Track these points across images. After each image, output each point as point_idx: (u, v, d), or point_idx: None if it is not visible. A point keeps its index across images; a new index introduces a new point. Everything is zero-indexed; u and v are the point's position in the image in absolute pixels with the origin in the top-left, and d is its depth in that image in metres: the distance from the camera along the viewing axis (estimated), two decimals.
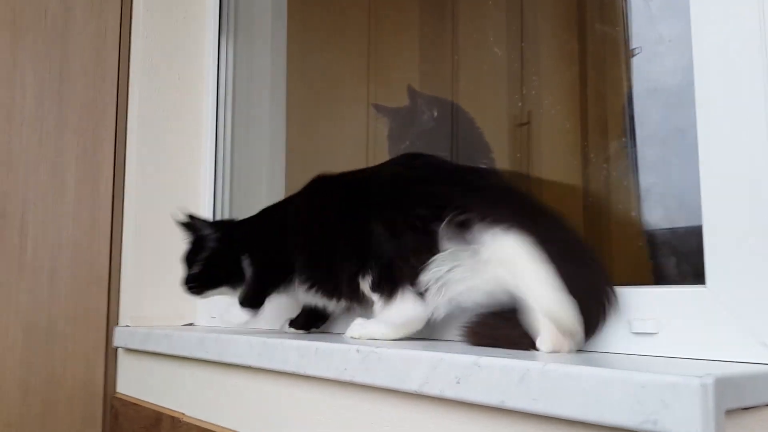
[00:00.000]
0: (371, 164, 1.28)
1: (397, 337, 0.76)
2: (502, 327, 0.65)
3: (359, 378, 0.69)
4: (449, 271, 0.68)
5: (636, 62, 0.87)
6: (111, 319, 1.42)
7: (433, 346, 0.67)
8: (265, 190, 1.54)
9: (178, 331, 1.17)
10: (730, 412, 0.44)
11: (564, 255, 0.61)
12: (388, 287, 0.75)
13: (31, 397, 1.33)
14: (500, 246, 0.63)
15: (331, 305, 0.89)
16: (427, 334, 0.80)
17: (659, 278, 0.82)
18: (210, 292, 0.95)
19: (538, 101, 1.06)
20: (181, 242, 0.99)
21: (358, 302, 0.83)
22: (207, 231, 0.95)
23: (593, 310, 0.61)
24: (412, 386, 0.62)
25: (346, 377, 0.71)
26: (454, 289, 0.68)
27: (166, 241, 1.36)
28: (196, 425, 1.05)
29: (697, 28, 0.60)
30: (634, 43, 0.87)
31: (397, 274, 0.74)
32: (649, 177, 0.85)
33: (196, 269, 0.95)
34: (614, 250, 0.91)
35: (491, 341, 0.65)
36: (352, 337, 0.79)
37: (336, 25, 1.51)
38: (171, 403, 1.17)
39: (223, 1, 1.56)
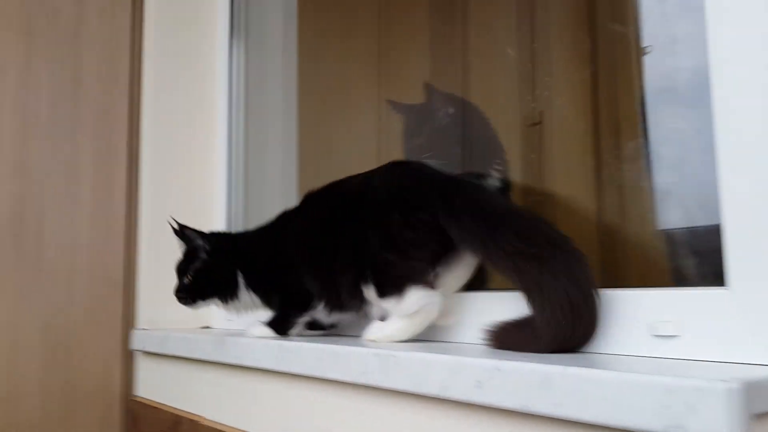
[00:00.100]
0: (382, 163, 1.29)
1: (416, 330, 0.77)
2: (523, 331, 0.65)
3: (378, 381, 0.69)
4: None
5: (649, 60, 0.86)
6: (128, 322, 1.43)
7: (452, 350, 0.67)
8: (278, 191, 1.54)
9: (195, 334, 1.17)
10: (756, 416, 0.43)
11: (540, 263, 0.63)
12: (395, 287, 0.76)
13: (51, 401, 1.35)
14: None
15: (337, 318, 0.91)
16: (445, 336, 0.80)
17: (678, 279, 0.82)
18: (201, 303, 0.95)
19: (550, 101, 1.06)
20: None
21: (363, 311, 0.84)
22: (199, 242, 0.95)
23: (582, 314, 0.62)
24: (431, 390, 0.62)
25: (365, 381, 0.71)
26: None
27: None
28: (215, 428, 1.06)
29: (712, 25, 0.59)
30: (646, 42, 0.86)
31: (402, 273, 0.75)
32: (664, 176, 0.85)
33: (187, 280, 0.95)
34: (630, 251, 0.90)
35: (514, 345, 0.65)
36: (370, 340, 0.79)
37: (346, 28, 1.51)
38: (189, 406, 1.17)
39: (235, 4, 1.56)
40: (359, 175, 0.89)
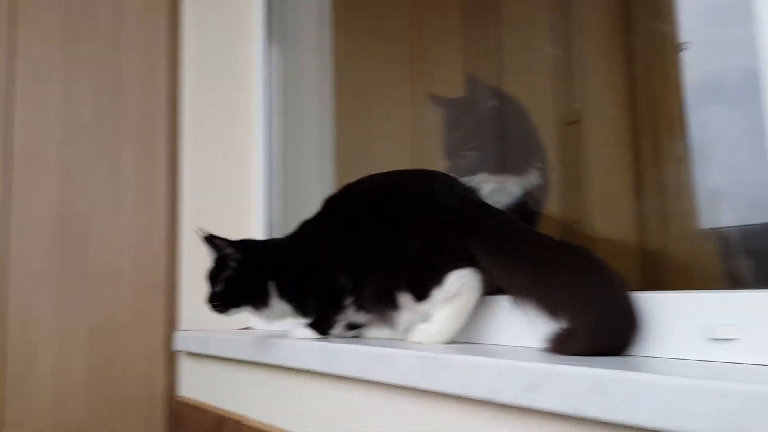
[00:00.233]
0: (416, 163, 1.29)
1: (459, 325, 0.77)
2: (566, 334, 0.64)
3: (423, 384, 0.69)
4: None
5: (689, 57, 0.84)
6: (170, 323, 1.46)
7: (497, 353, 0.66)
8: (315, 192, 1.55)
9: (238, 335, 1.19)
10: None
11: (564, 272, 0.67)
12: (434, 281, 0.76)
13: (97, 401, 1.38)
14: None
15: (363, 318, 0.92)
16: (492, 339, 0.79)
17: (729, 280, 0.80)
18: (233, 311, 0.96)
19: (587, 98, 1.04)
20: None
21: (387, 316, 0.85)
22: (228, 250, 0.96)
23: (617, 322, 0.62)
24: (478, 393, 0.61)
25: (409, 383, 0.71)
26: None
27: None
28: (259, 428, 1.07)
29: (764, 19, 0.57)
30: (685, 38, 0.84)
31: (436, 267, 0.76)
32: (709, 175, 0.83)
33: (219, 288, 0.96)
34: (674, 253, 0.89)
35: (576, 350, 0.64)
36: (414, 342, 0.79)
37: (380, 28, 1.51)
38: (233, 406, 1.19)
39: (271, 7, 1.57)
40: (375, 176, 0.92)
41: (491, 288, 0.78)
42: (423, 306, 0.79)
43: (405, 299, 0.80)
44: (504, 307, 0.76)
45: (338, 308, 0.91)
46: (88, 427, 1.37)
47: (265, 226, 1.51)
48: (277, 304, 0.95)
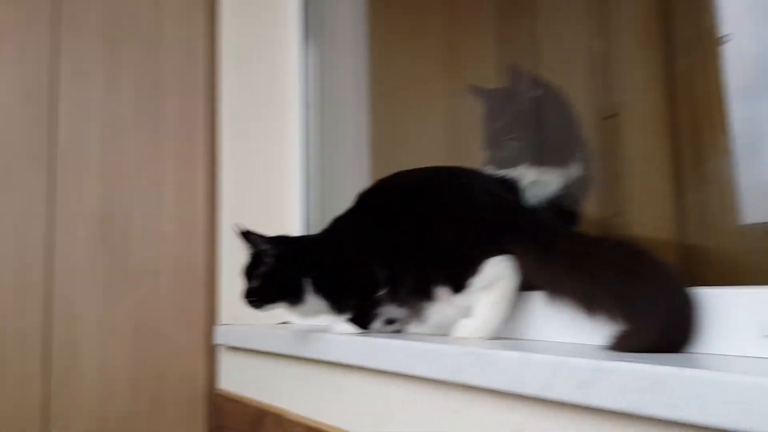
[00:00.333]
0: (452, 159, 1.29)
1: (501, 317, 0.77)
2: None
3: (473, 380, 0.68)
4: None
5: (731, 50, 0.82)
6: (210, 317, 1.48)
7: (550, 349, 0.66)
8: (351, 188, 1.56)
9: (278, 329, 1.20)
10: None
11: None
12: (471, 272, 0.77)
13: (140, 393, 1.40)
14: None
15: (403, 314, 0.92)
16: (531, 334, 0.79)
17: None
18: (269, 307, 0.97)
19: (625, 92, 1.03)
20: None
21: (420, 309, 0.85)
22: (264, 246, 0.97)
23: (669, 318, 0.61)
24: (531, 390, 0.61)
25: (457, 379, 0.70)
26: None
27: None
28: (299, 422, 1.08)
29: None
30: (727, 30, 0.83)
31: (473, 257, 0.77)
32: (751, 169, 0.81)
33: (255, 283, 0.96)
34: (714, 249, 0.87)
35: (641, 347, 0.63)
36: (459, 338, 0.79)
37: (415, 24, 1.51)
38: (273, 399, 1.20)
39: (308, 5, 1.58)
40: (408, 171, 0.93)
41: (526, 284, 0.78)
42: (461, 298, 0.79)
43: (442, 292, 0.81)
44: (541, 303, 0.76)
45: (375, 302, 0.92)
46: (132, 420, 1.39)
47: (302, 222, 1.52)
48: (313, 300, 0.96)
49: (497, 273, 0.76)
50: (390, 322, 0.94)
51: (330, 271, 0.96)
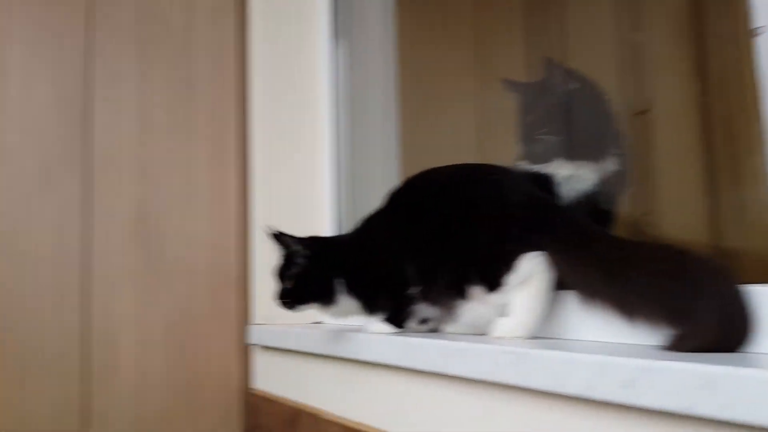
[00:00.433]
0: (482, 157, 1.27)
1: (541, 311, 0.76)
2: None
3: (512, 379, 0.67)
4: None
5: (764, 42, 0.79)
6: (243, 317, 1.49)
7: (594, 349, 0.65)
8: (382, 187, 1.55)
9: (312, 329, 1.20)
10: None
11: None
12: (506, 269, 0.76)
13: (176, 393, 1.42)
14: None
15: (436, 314, 0.91)
16: (563, 334, 0.77)
17: None
18: (301, 308, 0.96)
19: (657, 87, 1.00)
20: None
21: (452, 309, 0.85)
22: (296, 247, 0.97)
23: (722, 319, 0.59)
24: (574, 390, 0.60)
25: (497, 379, 0.69)
26: None
27: None
28: (335, 421, 1.08)
29: None
30: (760, 22, 0.80)
31: (507, 254, 0.76)
32: None
33: (287, 284, 0.96)
34: (749, 247, 0.85)
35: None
36: (497, 337, 0.78)
37: (443, 20, 1.50)
38: (308, 399, 1.20)
39: (337, 4, 1.58)
40: (438, 169, 0.92)
41: (558, 283, 0.77)
42: (496, 297, 0.78)
43: (476, 291, 0.80)
44: (575, 303, 0.74)
45: (409, 301, 0.91)
46: (169, 418, 1.41)
47: (333, 222, 1.52)
48: (345, 300, 0.95)
49: (532, 269, 0.76)
50: (423, 321, 0.93)
51: (362, 271, 0.95)
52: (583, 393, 0.59)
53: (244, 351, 1.48)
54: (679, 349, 0.60)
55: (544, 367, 0.63)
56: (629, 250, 0.71)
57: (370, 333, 0.94)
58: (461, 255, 0.82)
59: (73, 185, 1.38)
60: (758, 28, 0.79)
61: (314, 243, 0.99)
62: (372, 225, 0.98)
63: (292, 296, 0.96)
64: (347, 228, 1.45)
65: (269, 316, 1.44)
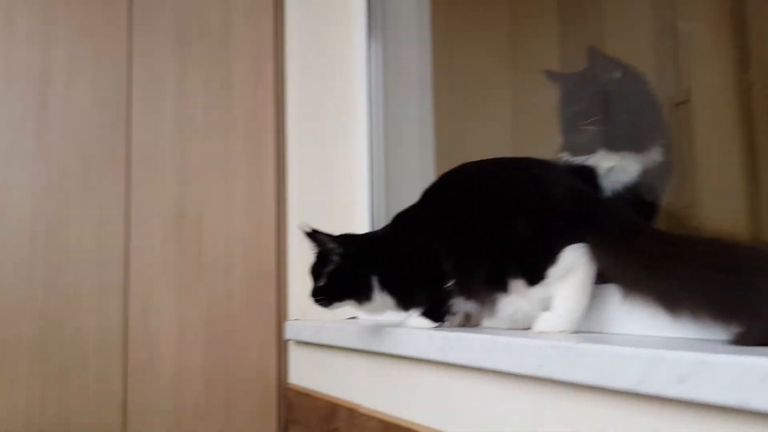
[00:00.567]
0: (518, 151, 1.26)
1: (584, 305, 0.75)
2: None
3: (558, 375, 0.66)
4: None
5: None
6: (280, 313, 1.50)
7: (642, 343, 0.64)
8: (417, 184, 1.55)
9: (349, 324, 1.20)
10: None
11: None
12: (549, 261, 0.76)
13: (213, 388, 1.43)
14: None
15: (474, 308, 0.90)
16: (605, 328, 0.76)
17: None
18: (337, 305, 0.97)
19: (697, 77, 0.98)
20: None
21: (490, 303, 0.84)
22: (331, 245, 0.97)
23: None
24: (625, 384, 0.59)
25: (543, 374, 0.69)
26: None
27: None
28: (372, 416, 1.08)
29: None
30: None
31: (549, 247, 0.76)
32: None
33: (322, 282, 0.96)
34: None
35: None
36: (540, 332, 0.77)
37: (478, 17, 1.49)
38: (345, 393, 1.21)
39: (371, 2, 1.58)
40: (474, 163, 0.92)
41: (600, 276, 0.75)
42: (537, 290, 0.78)
43: (516, 284, 0.79)
44: (618, 297, 0.73)
45: (446, 295, 0.90)
46: (206, 412, 1.43)
47: (368, 219, 1.52)
48: (380, 297, 0.95)
49: (574, 261, 0.75)
50: (461, 315, 0.93)
51: (396, 267, 0.95)
52: (634, 388, 0.58)
53: (281, 346, 1.49)
54: (744, 343, 0.58)
55: (594, 362, 0.62)
56: (674, 243, 0.69)
57: (410, 328, 0.94)
58: (501, 248, 0.81)
59: (114, 184, 1.40)
60: None
61: (348, 240, 0.99)
62: (406, 221, 0.98)
63: (326, 294, 0.96)
64: (382, 225, 1.45)
65: (304, 311, 1.45)
